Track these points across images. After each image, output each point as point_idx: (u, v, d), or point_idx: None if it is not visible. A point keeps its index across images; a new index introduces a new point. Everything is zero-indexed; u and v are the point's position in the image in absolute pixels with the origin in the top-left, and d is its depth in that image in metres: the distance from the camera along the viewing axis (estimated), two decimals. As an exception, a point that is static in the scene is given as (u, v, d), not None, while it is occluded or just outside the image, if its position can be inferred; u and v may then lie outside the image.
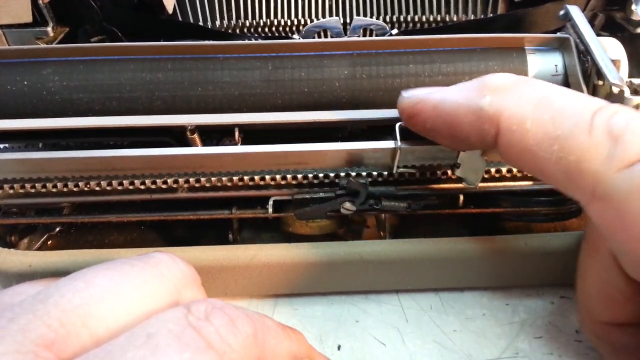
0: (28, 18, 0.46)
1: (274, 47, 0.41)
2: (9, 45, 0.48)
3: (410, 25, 0.55)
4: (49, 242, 0.46)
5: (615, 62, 0.38)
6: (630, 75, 0.43)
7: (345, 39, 0.42)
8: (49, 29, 0.47)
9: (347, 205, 0.39)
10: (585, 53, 0.39)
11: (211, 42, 0.41)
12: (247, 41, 0.42)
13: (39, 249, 0.45)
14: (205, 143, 0.41)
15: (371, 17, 0.57)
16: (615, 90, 0.36)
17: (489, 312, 0.42)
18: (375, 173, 0.39)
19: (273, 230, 0.45)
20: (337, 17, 0.47)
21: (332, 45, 0.41)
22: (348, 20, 0.57)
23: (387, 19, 0.56)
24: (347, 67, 0.41)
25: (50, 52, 0.41)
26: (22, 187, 0.39)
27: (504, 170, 0.39)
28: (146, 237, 0.46)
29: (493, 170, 0.39)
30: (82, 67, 0.41)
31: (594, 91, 0.39)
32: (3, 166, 0.37)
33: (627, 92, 0.35)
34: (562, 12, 0.42)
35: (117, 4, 0.48)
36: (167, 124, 0.38)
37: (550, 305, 0.42)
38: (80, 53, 0.41)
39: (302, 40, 0.43)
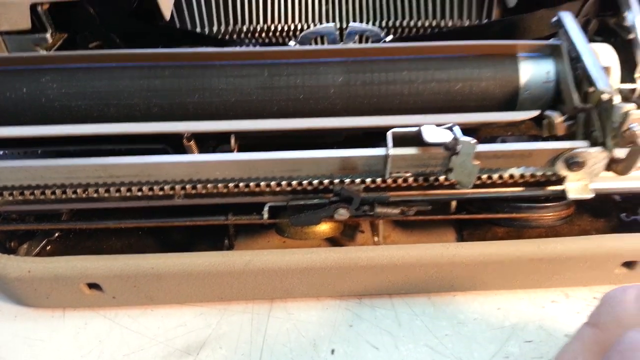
0: (27, 25, 0.46)
1: (270, 54, 0.42)
2: (8, 52, 0.48)
3: (406, 30, 0.56)
4: (48, 247, 0.47)
5: (606, 69, 0.39)
6: (623, 81, 0.43)
7: (340, 46, 0.42)
8: (48, 35, 0.48)
9: (341, 211, 0.39)
10: (576, 60, 0.39)
11: (208, 49, 0.42)
12: (243, 48, 0.42)
13: (38, 253, 0.46)
14: (202, 149, 0.42)
15: (367, 22, 0.58)
16: (604, 97, 0.36)
17: (480, 317, 0.42)
18: (368, 179, 0.40)
19: (269, 236, 0.46)
20: (333, 23, 0.48)
21: (327, 53, 0.42)
22: (344, 25, 0.58)
23: (383, 24, 0.57)
24: (341, 74, 0.41)
25: (49, 59, 0.42)
26: (22, 193, 0.40)
27: (495, 176, 0.40)
28: (144, 243, 0.47)
29: (485, 176, 0.40)
30: (80, 75, 0.41)
31: (585, 97, 0.39)
32: (2, 174, 0.38)
33: (616, 100, 0.36)
34: (554, 19, 0.42)
35: (116, 11, 0.48)
36: (164, 132, 0.39)
37: (541, 309, 0.43)
38: (79, 60, 0.42)
39: (297, 47, 0.43)
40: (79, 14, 0.47)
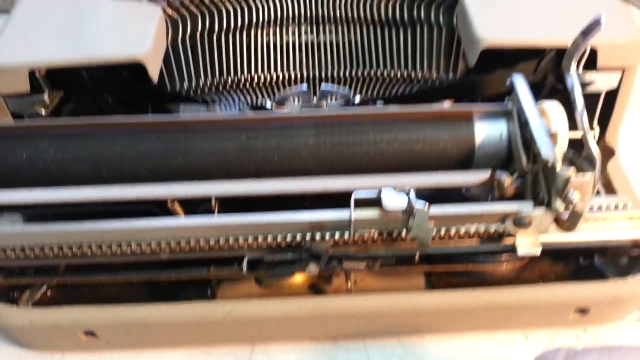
0: (26, 88, 0.50)
1: (247, 120, 0.45)
2: (9, 111, 0.52)
3: (380, 79, 0.59)
4: (48, 293, 0.50)
5: (551, 136, 0.42)
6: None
7: (311, 112, 0.46)
8: (45, 96, 0.51)
9: (312, 267, 0.43)
10: (525, 124, 0.43)
11: (190, 116, 0.45)
12: (223, 116, 0.46)
13: (39, 299, 0.50)
14: (186, 207, 0.45)
15: (344, 70, 0.61)
16: (548, 163, 0.40)
17: (446, 358, 0.46)
18: (337, 235, 0.43)
19: (250, 282, 0.50)
20: (306, 85, 0.51)
21: (300, 118, 0.45)
22: (324, 74, 0.61)
23: (359, 73, 0.61)
24: (312, 136, 0.45)
25: (47, 127, 0.46)
26: (23, 251, 0.44)
27: (452, 231, 0.43)
28: (135, 289, 0.50)
29: (443, 231, 0.43)
30: (74, 140, 0.45)
31: (534, 158, 0.42)
32: (5, 237, 0.42)
33: (558, 167, 0.39)
34: (508, 82, 0.46)
35: (108, 75, 0.52)
36: (150, 198, 0.42)
37: (501, 351, 0.46)
38: (73, 127, 0.46)
39: (272, 114, 0.47)
40: (74, 78, 0.51)
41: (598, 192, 0.54)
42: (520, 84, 0.45)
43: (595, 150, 0.40)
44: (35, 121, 0.49)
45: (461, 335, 0.48)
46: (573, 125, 0.44)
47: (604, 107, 0.53)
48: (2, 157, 0.44)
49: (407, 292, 0.45)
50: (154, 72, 0.51)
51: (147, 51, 0.48)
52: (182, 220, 0.42)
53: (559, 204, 0.40)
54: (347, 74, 0.61)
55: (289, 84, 0.61)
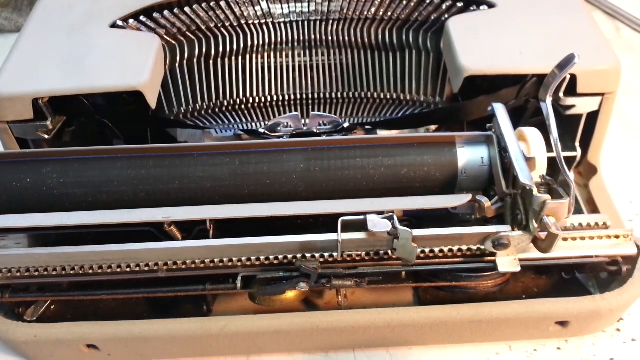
0: (30, 116, 0.52)
1: (241, 146, 0.48)
2: (14, 136, 0.55)
3: (371, 101, 0.62)
4: (52, 307, 0.53)
5: (530, 160, 0.44)
6: (563, 150, 0.48)
7: (301, 139, 0.48)
8: (48, 122, 0.54)
9: (302, 284, 0.45)
10: (505, 149, 0.45)
11: (186, 143, 0.48)
12: (218, 142, 0.48)
13: (44, 312, 0.52)
14: (182, 228, 0.48)
15: (337, 91, 0.64)
16: (526, 188, 0.42)
17: (432, 370, 0.48)
18: (326, 254, 0.45)
19: (244, 298, 0.52)
20: (297, 113, 0.54)
21: (291, 144, 0.48)
22: (316, 96, 0.64)
23: (351, 95, 0.63)
24: (303, 161, 0.47)
25: (50, 153, 0.48)
26: (27, 271, 0.46)
27: (436, 250, 0.45)
28: (135, 302, 0.53)
29: (427, 250, 0.45)
30: (76, 166, 0.48)
31: (514, 182, 0.45)
32: (10, 259, 0.44)
33: (535, 191, 0.41)
34: (490, 109, 0.48)
35: (108, 101, 0.55)
36: (148, 222, 0.45)
37: (485, 362, 0.49)
38: (75, 154, 0.48)
39: (264, 140, 0.50)
40: (76, 105, 0.54)
41: (581, 211, 0.56)
42: (500, 111, 0.47)
43: (570, 176, 0.42)
44: (39, 149, 0.52)
45: (448, 346, 0.50)
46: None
47: (586, 127, 0.55)
48: (8, 182, 0.47)
49: (395, 308, 0.47)
50: (152, 100, 0.53)
51: (145, 80, 0.51)
52: (178, 244, 0.44)
53: (535, 227, 0.42)
54: (339, 95, 0.63)
55: (283, 105, 0.63)
